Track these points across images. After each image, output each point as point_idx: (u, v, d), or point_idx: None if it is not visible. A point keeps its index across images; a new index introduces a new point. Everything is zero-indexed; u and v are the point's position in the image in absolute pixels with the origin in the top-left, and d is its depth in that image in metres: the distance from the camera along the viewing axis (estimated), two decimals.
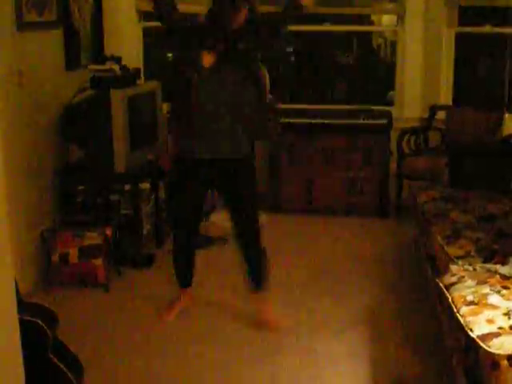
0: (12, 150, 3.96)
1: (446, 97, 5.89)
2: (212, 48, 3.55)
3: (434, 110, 5.74)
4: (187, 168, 3.71)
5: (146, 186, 5.04)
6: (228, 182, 3.74)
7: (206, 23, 3.62)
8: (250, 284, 3.91)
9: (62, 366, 2.87)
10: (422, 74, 5.86)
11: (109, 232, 4.41)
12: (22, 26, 4.13)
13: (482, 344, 2.45)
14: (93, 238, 4.33)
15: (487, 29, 6.05)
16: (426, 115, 5.78)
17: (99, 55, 5.34)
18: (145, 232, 4.91)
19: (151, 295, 4.26)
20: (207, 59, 3.56)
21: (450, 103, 5.89)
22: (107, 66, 4.81)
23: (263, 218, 5.66)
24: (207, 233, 5.10)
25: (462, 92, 6.05)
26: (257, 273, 3.88)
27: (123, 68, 4.80)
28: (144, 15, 5.97)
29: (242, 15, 3.51)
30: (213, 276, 4.51)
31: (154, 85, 4.98)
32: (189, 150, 3.66)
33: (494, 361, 2.39)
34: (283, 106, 6.14)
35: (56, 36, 4.69)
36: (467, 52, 6.17)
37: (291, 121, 5.76)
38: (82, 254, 4.31)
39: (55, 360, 2.86)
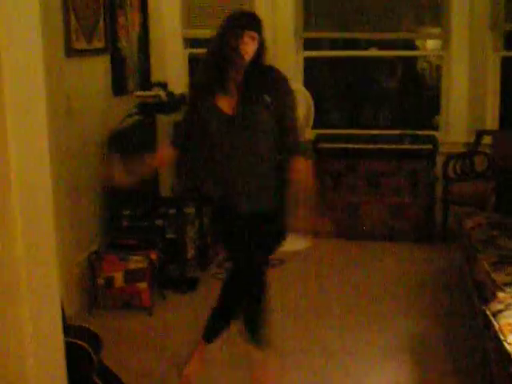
0: (59, 175, 4.03)
1: (492, 121, 5.82)
2: (227, 90, 3.06)
3: (480, 134, 5.68)
4: (227, 219, 3.29)
5: (190, 210, 5.08)
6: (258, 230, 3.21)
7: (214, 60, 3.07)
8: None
9: None
10: (468, 99, 5.80)
11: (153, 256, 4.45)
12: (71, 52, 4.22)
13: None
14: (138, 261, 4.37)
15: None
16: (472, 140, 5.71)
17: (146, 81, 5.43)
18: (189, 256, 4.94)
19: (195, 319, 4.26)
20: (225, 105, 3.07)
21: (497, 128, 5.82)
22: (154, 91, 4.89)
23: (304, 242, 5.68)
24: None
25: (509, 116, 5.96)
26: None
27: (169, 94, 4.88)
28: (190, 42, 6.06)
29: (251, 46, 3.01)
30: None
31: None
32: (227, 202, 3.23)
33: None
34: (327, 132, 6.14)
35: (104, 62, 4.78)
36: None
37: (335, 146, 5.77)
38: (126, 277, 4.35)
39: (99, 383, 2.88)
